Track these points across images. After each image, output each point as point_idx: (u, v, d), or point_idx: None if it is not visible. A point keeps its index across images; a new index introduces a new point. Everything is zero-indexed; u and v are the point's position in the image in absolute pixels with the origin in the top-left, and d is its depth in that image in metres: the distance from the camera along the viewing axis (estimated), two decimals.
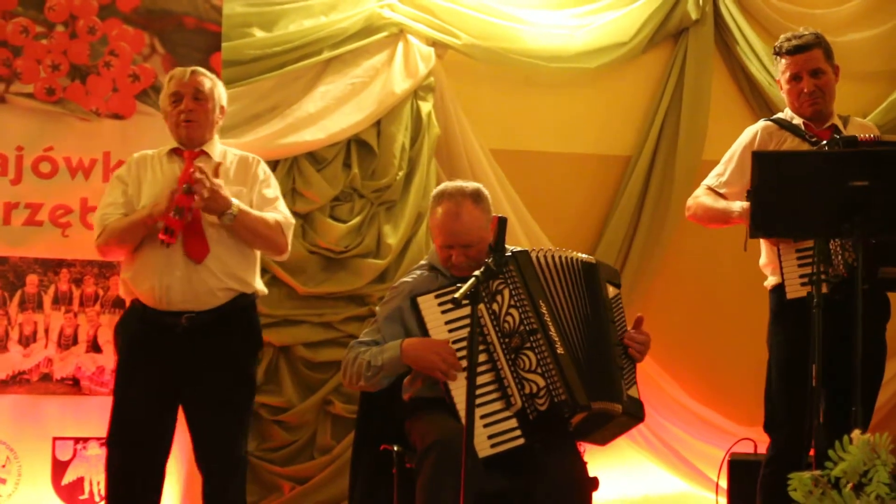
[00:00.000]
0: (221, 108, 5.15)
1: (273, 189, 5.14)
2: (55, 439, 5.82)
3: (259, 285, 5.09)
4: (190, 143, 5.04)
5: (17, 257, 6.03)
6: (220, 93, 5.16)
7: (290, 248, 5.14)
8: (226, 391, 4.92)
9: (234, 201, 4.82)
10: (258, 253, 5.10)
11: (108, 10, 6.15)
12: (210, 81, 5.11)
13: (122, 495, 4.93)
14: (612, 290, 4.47)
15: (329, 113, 6.67)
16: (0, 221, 6.03)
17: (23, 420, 6.00)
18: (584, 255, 4.52)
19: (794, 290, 4.83)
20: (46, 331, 6.05)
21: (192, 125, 5.01)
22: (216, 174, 4.85)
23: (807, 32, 5.12)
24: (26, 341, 6.04)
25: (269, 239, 4.99)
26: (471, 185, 4.68)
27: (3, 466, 5.95)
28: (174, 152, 5.06)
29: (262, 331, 5.19)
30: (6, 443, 5.96)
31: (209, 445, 4.96)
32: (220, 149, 5.15)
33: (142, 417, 4.89)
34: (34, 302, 6.06)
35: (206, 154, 5.03)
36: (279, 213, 5.04)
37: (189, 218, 4.76)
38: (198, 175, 4.72)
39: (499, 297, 4.24)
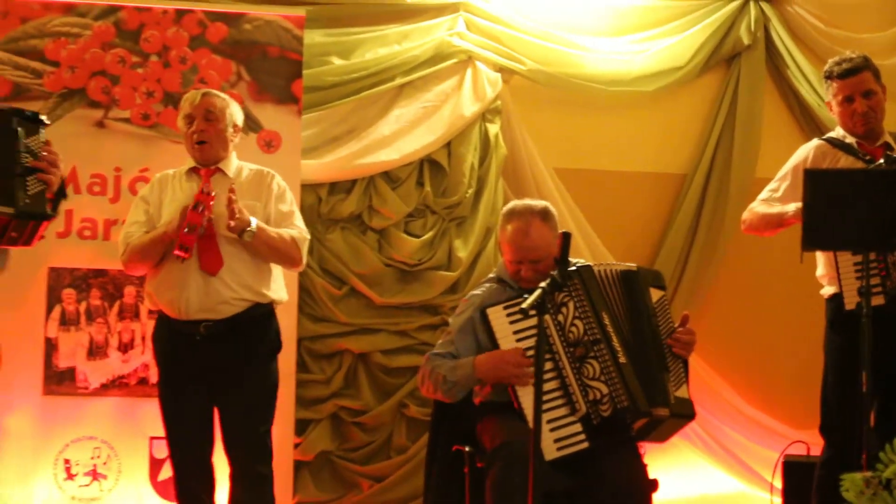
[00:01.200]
0: (235, 126, 5.05)
1: (288, 203, 5.02)
2: (152, 438, 5.85)
3: (277, 294, 4.97)
4: (205, 162, 4.97)
5: (116, 270, 6.03)
6: (233, 112, 5.05)
7: (304, 262, 5.04)
8: (247, 394, 4.85)
9: (253, 221, 4.75)
10: (271, 265, 4.98)
11: (198, 41, 6.22)
12: (222, 102, 5.03)
13: (185, 489, 4.93)
14: (656, 294, 4.42)
15: (403, 135, 6.67)
16: (100, 237, 6.09)
17: (122, 421, 6.04)
18: (624, 264, 4.48)
19: (852, 301, 4.71)
20: (143, 338, 6.08)
21: (204, 146, 4.94)
22: (230, 193, 4.77)
23: (855, 56, 5.05)
24: (125, 348, 6.09)
25: (284, 254, 4.89)
26: (539, 203, 4.66)
27: (105, 464, 6.00)
28: (192, 171, 5.00)
29: (280, 335, 5.05)
30: (107, 442, 6.00)
31: (235, 443, 4.90)
32: (237, 165, 5.05)
33: (185, 419, 4.88)
34: (131, 311, 6.11)
35: (222, 171, 4.97)
36: (294, 228, 4.94)
37: (201, 234, 4.72)
38: (219, 196, 4.69)
39: (564, 309, 4.20)
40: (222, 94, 5.07)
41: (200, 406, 4.88)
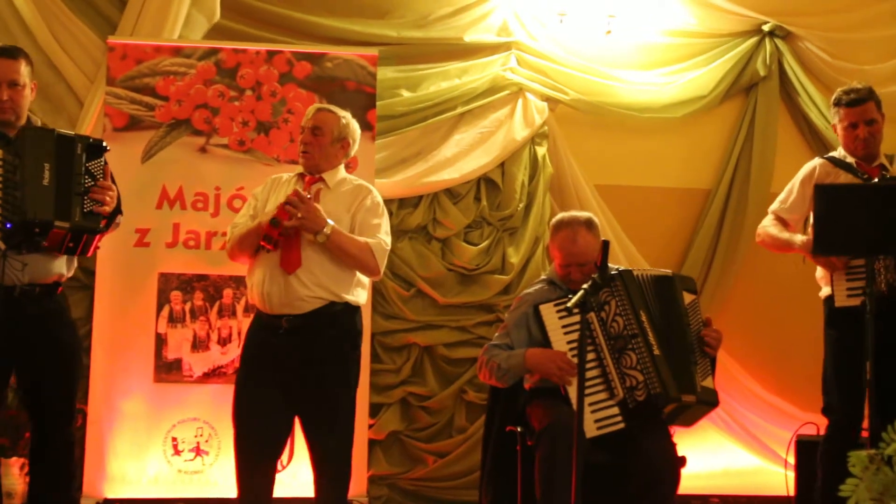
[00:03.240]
0: (344, 141, 4.81)
1: (378, 217, 4.74)
2: None
3: (352, 297, 4.67)
4: (308, 170, 4.81)
5: (216, 275, 6.10)
6: (349, 128, 4.84)
7: (381, 271, 4.77)
8: (325, 387, 4.64)
9: (330, 223, 4.57)
10: (354, 272, 4.73)
11: (286, 77, 6.24)
12: (331, 119, 4.81)
13: (245, 465, 4.66)
14: (688, 297, 4.41)
15: (462, 157, 6.68)
16: (202, 247, 6.12)
17: (221, 405, 5.97)
18: (661, 270, 4.49)
19: (842, 300, 4.82)
20: (239, 333, 6.08)
21: (306, 155, 4.77)
22: (316, 199, 4.65)
23: (861, 86, 5.02)
24: (223, 342, 6.11)
25: (359, 259, 4.64)
26: (584, 214, 4.67)
27: (206, 441, 6.03)
28: (300, 176, 4.84)
29: (357, 331, 4.77)
30: (209, 423, 6.03)
31: (313, 433, 4.67)
32: (340, 177, 4.83)
33: (254, 408, 4.64)
34: (229, 310, 6.13)
35: (322, 180, 4.78)
36: (375, 238, 4.67)
37: (283, 229, 4.52)
38: (294, 198, 4.51)
39: (606, 307, 4.20)
40: (338, 112, 4.85)
41: (274, 396, 4.60)
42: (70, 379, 4.51)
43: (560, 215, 4.71)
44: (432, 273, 6.57)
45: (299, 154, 4.82)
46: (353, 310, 4.71)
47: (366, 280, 4.78)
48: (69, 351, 4.51)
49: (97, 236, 4.38)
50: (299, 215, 4.47)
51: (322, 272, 4.60)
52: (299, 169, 4.87)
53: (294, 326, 4.58)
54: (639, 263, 6.50)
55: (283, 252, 4.57)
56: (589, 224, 4.58)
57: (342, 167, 4.88)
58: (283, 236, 4.53)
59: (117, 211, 4.45)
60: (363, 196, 4.77)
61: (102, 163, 4.39)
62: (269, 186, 4.86)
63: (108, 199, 4.35)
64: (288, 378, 4.58)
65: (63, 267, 4.47)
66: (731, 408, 6.70)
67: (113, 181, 4.47)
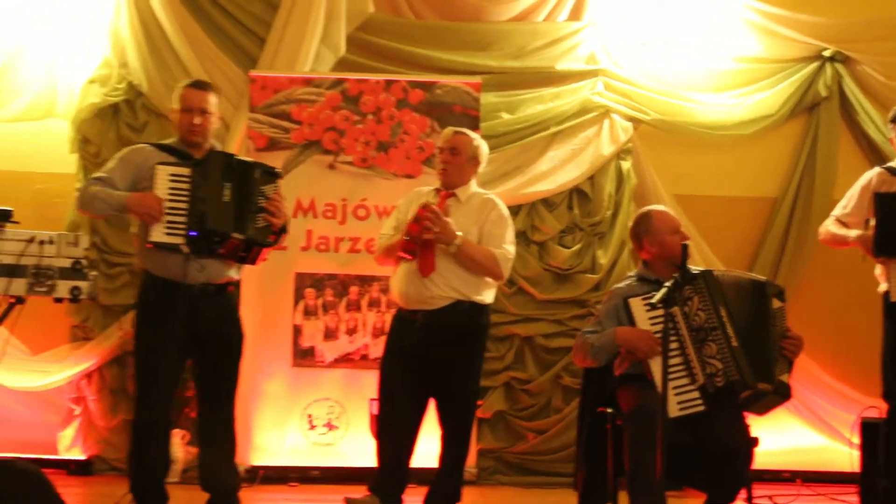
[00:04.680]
0: (475, 160, 4.90)
1: (502, 229, 4.80)
2: (370, 400, 5.87)
3: (479, 297, 4.76)
4: (445, 186, 4.86)
5: (344, 274, 6.23)
6: (479, 148, 4.90)
7: (506, 276, 4.84)
8: (453, 374, 4.77)
9: (459, 234, 4.64)
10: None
11: (402, 103, 6.35)
12: (466, 140, 4.87)
13: (387, 445, 4.82)
14: (777, 303, 4.30)
15: (556, 171, 6.71)
16: (332, 250, 6.26)
17: (349, 386, 6.19)
18: (757, 276, 4.38)
19: None
20: (364, 325, 6.24)
21: (444, 173, 4.84)
22: (447, 213, 4.70)
23: None
24: (350, 332, 6.25)
25: (485, 267, 4.72)
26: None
27: (338, 418, 6.17)
28: (437, 191, 4.90)
29: (484, 328, 4.89)
30: (339, 402, 6.17)
31: (442, 414, 4.83)
32: (471, 192, 4.87)
33: (395, 389, 4.81)
34: (355, 305, 6.25)
35: (455, 195, 4.84)
36: (500, 248, 4.74)
37: (417, 241, 4.61)
38: (429, 215, 4.59)
39: (690, 302, 4.14)
40: (470, 134, 4.93)
41: (412, 381, 4.77)
42: (234, 366, 4.65)
43: (641, 211, 4.67)
44: (531, 273, 6.61)
45: (438, 171, 4.89)
46: (480, 308, 4.81)
47: (492, 282, 4.84)
48: (235, 343, 4.65)
49: (265, 249, 4.50)
50: (435, 230, 4.59)
51: (452, 275, 4.71)
52: (436, 184, 4.93)
53: (428, 321, 4.72)
54: (714, 265, 6.41)
55: (420, 259, 4.69)
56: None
57: (473, 182, 4.92)
58: (419, 246, 4.63)
59: (284, 230, 4.57)
60: (489, 209, 4.84)
61: (275, 187, 4.51)
62: (410, 200, 4.94)
63: (277, 218, 4.47)
64: (423, 364, 4.74)
65: (234, 271, 4.61)
66: (798, 392, 6.43)
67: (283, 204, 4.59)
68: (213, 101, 4.60)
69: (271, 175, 4.54)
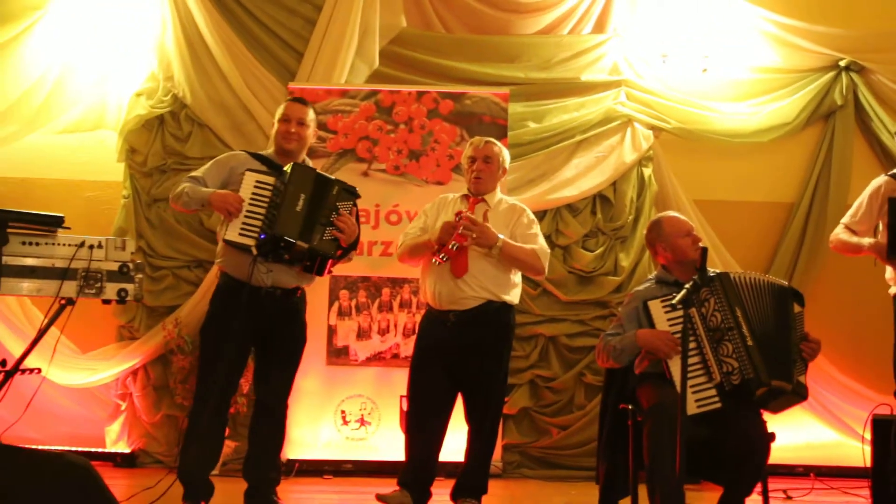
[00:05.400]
0: (504, 168, 4.94)
1: (534, 229, 4.84)
2: (401, 397, 5.82)
3: (507, 296, 4.79)
4: (477, 193, 4.88)
5: (377, 277, 6.25)
6: (505, 157, 4.96)
7: (546, 270, 4.86)
8: (482, 371, 4.76)
9: (500, 237, 4.66)
10: (511, 276, 4.81)
11: (433, 113, 6.37)
12: (498, 149, 4.91)
13: (416, 439, 4.81)
14: (797, 308, 4.29)
15: (581, 177, 6.71)
16: (365, 254, 6.25)
17: (380, 384, 6.20)
18: (778, 280, 4.35)
19: None
20: (395, 325, 6.25)
21: (479, 181, 4.86)
22: (485, 219, 4.72)
23: None
24: (382, 332, 6.25)
25: (528, 264, 4.74)
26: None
27: (370, 414, 6.18)
28: (465, 197, 4.91)
29: (511, 328, 4.89)
30: (371, 398, 6.18)
31: (470, 409, 4.83)
32: (499, 198, 4.91)
33: (425, 385, 4.80)
34: (387, 307, 6.26)
35: (485, 201, 4.86)
36: (538, 244, 4.78)
37: (451, 245, 4.62)
38: (465, 221, 4.60)
39: (706, 304, 4.14)
40: (499, 143, 4.98)
41: (441, 379, 4.76)
42: (292, 366, 4.72)
43: (653, 219, 4.67)
44: (556, 275, 6.60)
45: (471, 179, 4.88)
46: (508, 308, 4.84)
47: (519, 282, 4.86)
48: (296, 344, 4.73)
49: (330, 261, 4.54)
50: (474, 236, 4.61)
51: (484, 276, 4.74)
52: (464, 189, 4.96)
53: (459, 320, 4.74)
54: (732, 267, 6.41)
55: (453, 261, 4.70)
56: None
57: (499, 188, 4.98)
58: (454, 250, 4.64)
59: (353, 247, 4.60)
60: (518, 214, 4.89)
61: (351, 204, 4.58)
62: (437, 205, 4.97)
63: (345, 234, 4.52)
64: (453, 362, 4.75)
65: (302, 279, 4.66)
66: (813, 390, 6.41)
67: (358, 223, 4.64)
68: (310, 115, 4.73)
69: (349, 193, 4.61)
